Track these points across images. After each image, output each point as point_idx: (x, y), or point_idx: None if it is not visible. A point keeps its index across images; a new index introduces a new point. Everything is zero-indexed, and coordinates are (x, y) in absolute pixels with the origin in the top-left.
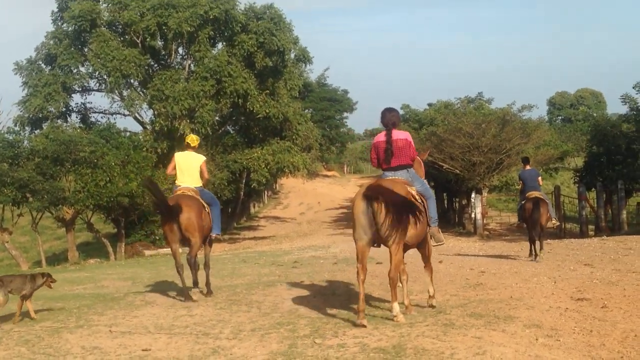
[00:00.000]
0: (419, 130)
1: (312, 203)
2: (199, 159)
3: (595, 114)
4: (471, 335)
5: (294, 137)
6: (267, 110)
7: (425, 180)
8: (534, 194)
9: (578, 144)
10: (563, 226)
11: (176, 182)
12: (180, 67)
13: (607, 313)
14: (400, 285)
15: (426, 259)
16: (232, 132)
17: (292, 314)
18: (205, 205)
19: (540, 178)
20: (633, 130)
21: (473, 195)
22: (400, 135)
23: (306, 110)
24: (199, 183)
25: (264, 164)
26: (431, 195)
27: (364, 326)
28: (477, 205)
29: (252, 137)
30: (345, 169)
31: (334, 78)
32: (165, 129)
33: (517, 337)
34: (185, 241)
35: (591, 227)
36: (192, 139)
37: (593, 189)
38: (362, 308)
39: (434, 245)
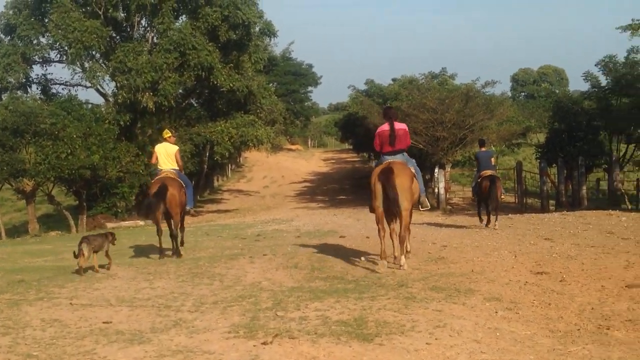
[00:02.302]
0: (383, 105)
1: (275, 177)
2: (174, 148)
3: (557, 91)
4: (432, 308)
5: (258, 110)
6: (231, 84)
7: (414, 160)
8: (487, 172)
9: (540, 120)
10: (524, 201)
11: (158, 166)
12: (143, 39)
13: (565, 286)
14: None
15: (405, 226)
16: (195, 105)
17: (254, 287)
18: (183, 184)
19: (493, 158)
20: (594, 108)
21: (436, 170)
22: (401, 125)
23: (270, 84)
24: (175, 166)
25: (228, 137)
26: (419, 172)
27: (380, 272)
28: (441, 180)
29: (216, 110)
30: (310, 142)
31: (298, 52)
32: (128, 101)
33: (477, 310)
34: (167, 214)
35: (552, 202)
36: (167, 132)
37: (554, 165)
38: (384, 256)
39: (422, 210)
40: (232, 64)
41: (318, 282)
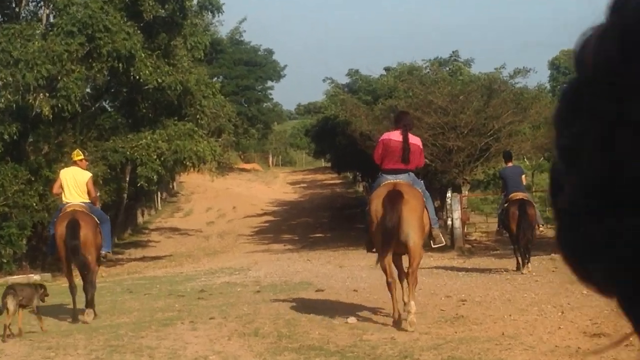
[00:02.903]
0: (373, 105)
1: (224, 208)
2: (85, 175)
3: None
4: None
5: (197, 116)
6: (159, 79)
7: (422, 182)
8: (518, 195)
9: None
10: None
11: (63, 199)
12: (35, 19)
13: (632, 352)
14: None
15: (416, 265)
16: (110, 110)
17: None
18: (97, 222)
19: (524, 176)
20: None
21: (449, 194)
22: (415, 140)
23: (215, 79)
24: (87, 199)
25: (156, 155)
26: (429, 196)
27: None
28: (455, 209)
29: (138, 116)
30: (271, 160)
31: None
32: (14, 106)
33: None
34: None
35: None
36: (76, 153)
37: None
38: (398, 315)
39: (434, 246)
40: (160, 52)
41: (288, 355)
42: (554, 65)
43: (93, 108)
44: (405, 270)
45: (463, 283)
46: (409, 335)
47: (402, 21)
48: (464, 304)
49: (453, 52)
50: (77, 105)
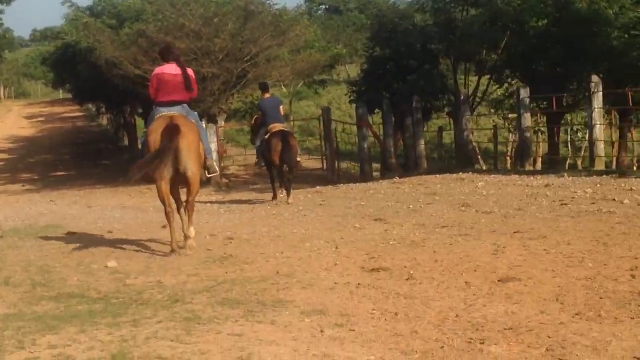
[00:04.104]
0: (119, 29)
1: None
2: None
3: (375, 1)
4: (227, 332)
5: None
6: None
7: (196, 113)
8: (278, 126)
9: (352, 45)
10: (337, 166)
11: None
12: None
13: (415, 287)
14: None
15: (194, 195)
16: None
17: None
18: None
19: (282, 107)
20: (430, 24)
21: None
22: (190, 71)
23: None
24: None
25: None
26: (203, 128)
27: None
28: (212, 141)
29: None
30: (3, 92)
31: None
32: None
33: (294, 331)
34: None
35: (377, 165)
36: None
37: (377, 111)
38: (176, 246)
39: (209, 176)
40: None
41: (46, 304)
42: None
43: None
44: (184, 202)
45: (227, 220)
46: (176, 278)
47: None
48: (231, 243)
49: None
50: None
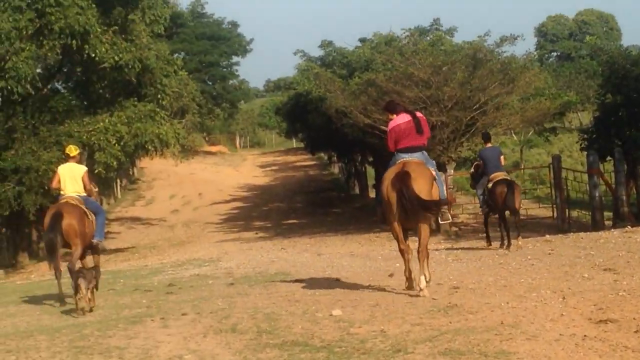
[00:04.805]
0: (349, 79)
1: (189, 195)
2: (81, 169)
3: (607, 47)
4: None
5: (159, 96)
6: (116, 56)
7: (434, 162)
8: (500, 175)
9: (583, 91)
10: (567, 214)
11: (61, 192)
12: None
13: None
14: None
15: (425, 240)
16: (64, 91)
17: None
18: (89, 213)
19: (503, 157)
20: None
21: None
22: (420, 114)
23: (176, 55)
24: (82, 192)
25: (115, 139)
26: (439, 176)
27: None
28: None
29: (94, 98)
30: (238, 141)
31: (215, 5)
32: None
33: None
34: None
35: (608, 214)
36: (71, 149)
37: (609, 159)
38: (411, 280)
39: (441, 222)
40: (116, 27)
41: (270, 351)
42: (540, 32)
43: (45, 90)
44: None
45: (453, 269)
46: (399, 327)
47: None
48: (456, 292)
49: (434, 20)
50: (27, 87)
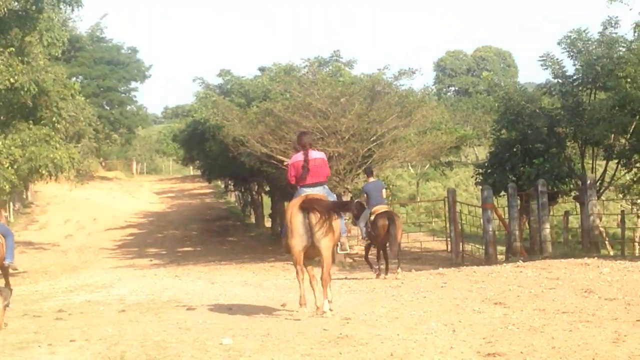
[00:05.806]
0: (247, 108)
1: (84, 220)
2: None
3: (503, 83)
4: None
5: (54, 119)
6: (12, 78)
7: (334, 195)
8: (382, 208)
9: (480, 126)
10: (461, 248)
11: None
12: None
13: None
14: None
15: (328, 268)
16: None
17: None
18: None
19: (385, 191)
20: (557, 107)
21: None
22: (317, 154)
23: (74, 79)
24: None
25: (9, 162)
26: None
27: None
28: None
29: None
30: (135, 167)
31: (115, 30)
32: None
33: None
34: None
35: (501, 248)
36: None
37: (503, 194)
38: (304, 302)
39: (339, 252)
40: (12, 48)
41: None
42: (439, 66)
43: None
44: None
45: (346, 300)
46: (289, 357)
47: (278, 17)
48: (348, 323)
49: (334, 51)
50: None
